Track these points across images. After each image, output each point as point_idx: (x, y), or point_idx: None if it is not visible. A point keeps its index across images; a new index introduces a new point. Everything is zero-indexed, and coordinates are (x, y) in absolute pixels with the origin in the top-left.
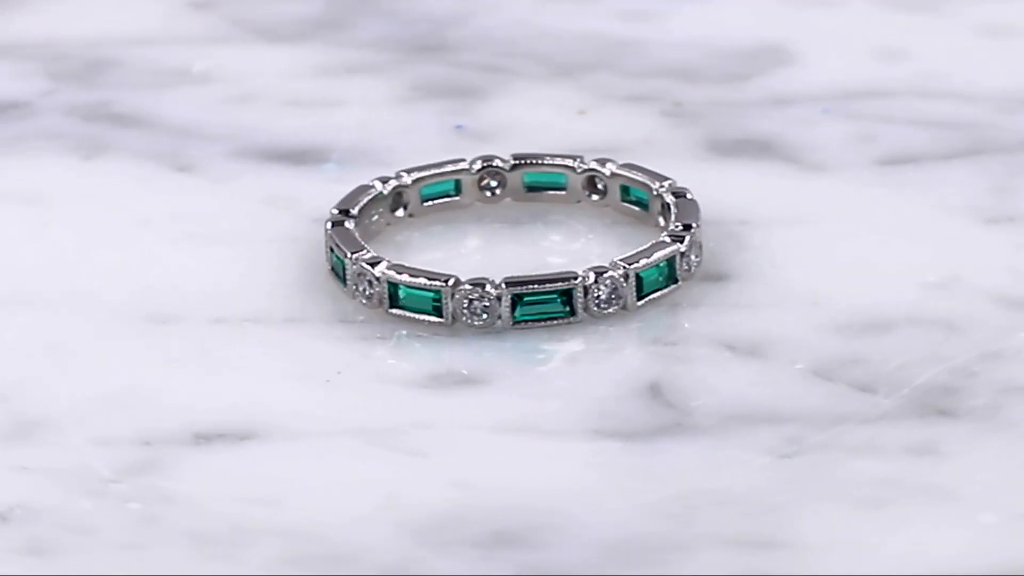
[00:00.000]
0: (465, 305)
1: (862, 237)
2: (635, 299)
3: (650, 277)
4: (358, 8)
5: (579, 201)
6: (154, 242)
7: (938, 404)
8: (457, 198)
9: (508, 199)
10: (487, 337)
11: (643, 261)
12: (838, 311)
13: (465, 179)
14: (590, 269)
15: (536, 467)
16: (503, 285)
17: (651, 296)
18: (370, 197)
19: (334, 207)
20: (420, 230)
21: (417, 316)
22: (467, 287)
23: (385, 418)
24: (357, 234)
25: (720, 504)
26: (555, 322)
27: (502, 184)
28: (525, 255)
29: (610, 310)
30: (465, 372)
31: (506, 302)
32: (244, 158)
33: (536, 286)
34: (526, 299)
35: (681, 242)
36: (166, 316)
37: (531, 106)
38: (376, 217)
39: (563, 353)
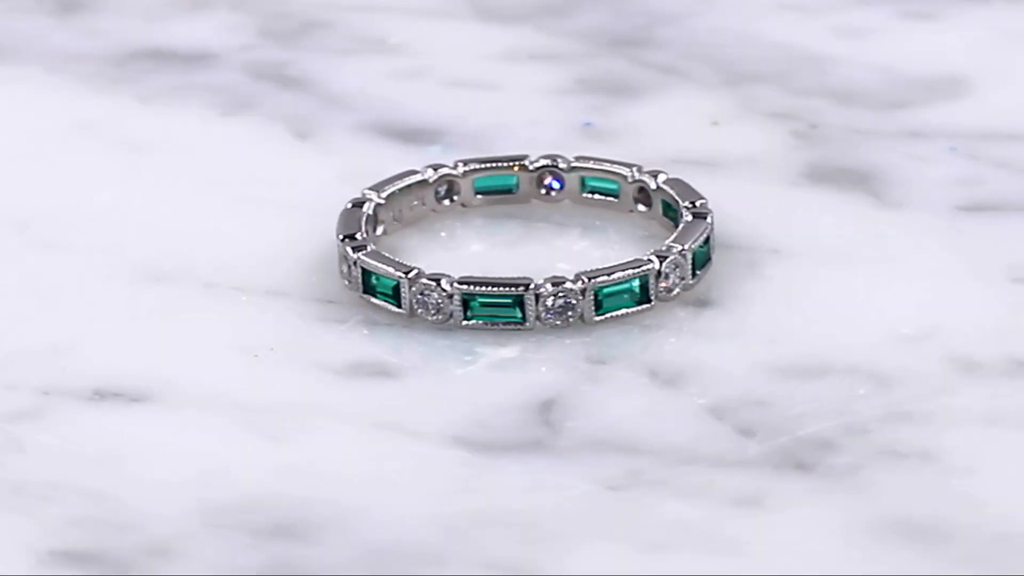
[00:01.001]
0: (419, 299)
1: (872, 280)
2: (593, 314)
3: (614, 294)
4: None
5: (631, 211)
6: (214, 203)
7: (802, 458)
8: (515, 194)
9: (567, 201)
10: (436, 333)
11: (605, 277)
12: (787, 351)
13: (523, 176)
14: (548, 279)
15: (368, 464)
16: (455, 284)
17: (614, 313)
18: (411, 182)
19: (367, 187)
20: (461, 221)
21: (384, 305)
22: (423, 281)
23: (273, 399)
24: (366, 218)
25: (506, 526)
26: (506, 327)
27: (562, 185)
28: (539, 257)
29: (560, 322)
30: (381, 364)
31: (457, 301)
32: (364, 132)
33: (486, 288)
34: (480, 300)
35: (662, 262)
36: (164, 275)
37: (674, 112)
38: (416, 203)
39: (491, 358)
